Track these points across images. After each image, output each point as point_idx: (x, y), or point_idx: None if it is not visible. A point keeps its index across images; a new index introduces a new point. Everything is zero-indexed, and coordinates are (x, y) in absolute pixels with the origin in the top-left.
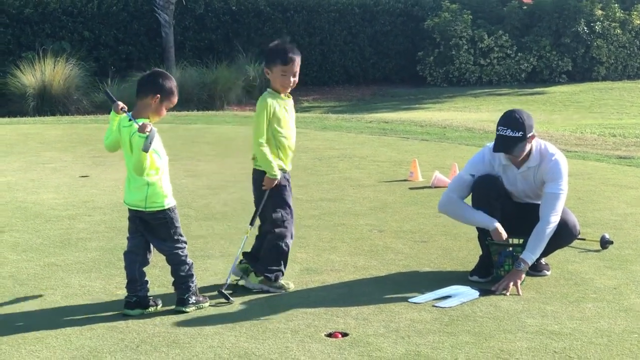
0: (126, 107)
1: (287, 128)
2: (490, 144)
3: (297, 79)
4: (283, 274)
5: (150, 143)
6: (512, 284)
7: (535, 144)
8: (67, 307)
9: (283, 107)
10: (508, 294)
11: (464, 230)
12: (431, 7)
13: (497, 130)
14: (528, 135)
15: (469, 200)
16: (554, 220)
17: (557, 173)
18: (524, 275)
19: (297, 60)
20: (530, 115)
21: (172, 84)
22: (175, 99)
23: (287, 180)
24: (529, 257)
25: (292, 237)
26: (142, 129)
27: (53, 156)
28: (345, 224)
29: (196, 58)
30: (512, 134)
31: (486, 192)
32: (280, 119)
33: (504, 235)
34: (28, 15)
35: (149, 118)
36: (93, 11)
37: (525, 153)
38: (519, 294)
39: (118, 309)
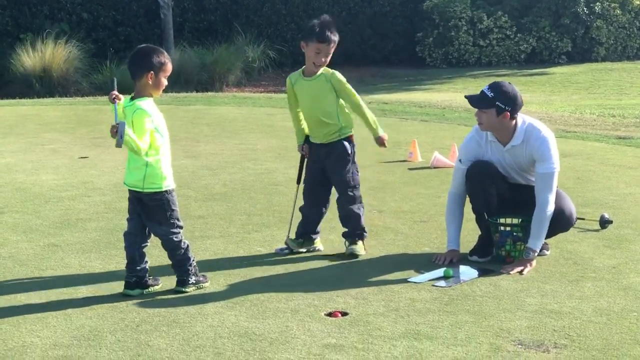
0: (120, 98)
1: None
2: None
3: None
4: (297, 235)
5: (122, 137)
6: (519, 269)
7: (520, 122)
8: (67, 287)
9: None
10: (512, 273)
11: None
12: None
13: None
14: (497, 103)
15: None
16: (551, 199)
17: (546, 152)
18: (534, 262)
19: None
20: (516, 93)
21: (160, 54)
22: (169, 67)
23: (307, 151)
24: (535, 244)
25: (303, 205)
26: (112, 131)
27: (52, 137)
28: None
29: (195, 39)
30: (486, 91)
31: (480, 179)
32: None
33: (454, 259)
34: None
35: (151, 95)
36: None
37: (490, 122)
38: (521, 275)
39: (118, 289)
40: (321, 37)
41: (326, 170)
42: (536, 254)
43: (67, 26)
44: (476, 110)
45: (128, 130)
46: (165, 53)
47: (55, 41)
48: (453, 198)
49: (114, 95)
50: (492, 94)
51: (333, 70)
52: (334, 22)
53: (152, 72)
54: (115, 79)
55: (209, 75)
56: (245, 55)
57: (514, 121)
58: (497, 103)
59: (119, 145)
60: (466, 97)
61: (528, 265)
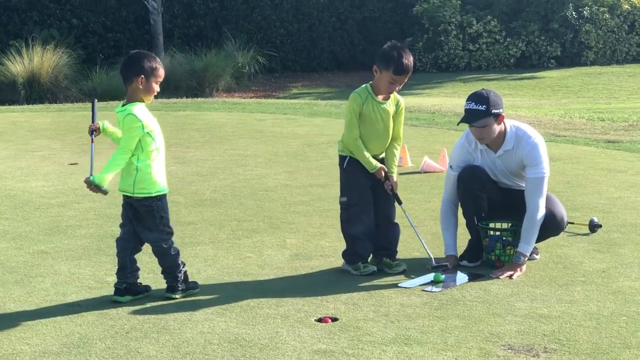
0: (97, 132)
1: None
2: (468, 130)
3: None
4: (361, 258)
5: (102, 187)
6: (509, 274)
7: (509, 127)
8: (56, 294)
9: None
10: (502, 277)
11: None
12: None
13: (465, 105)
14: (493, 111)
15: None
16: (542, 204)
17: (537, 157)
18: (524, 267)
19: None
20: (498, 95)
21: (152, 59)
22: (161, 72)
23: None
24: (525, 248)
25: (363, 224)
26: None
27: (42, 144)
28: (335, 209)
29: (185, 45)
30: (475, 107)
31: (469, 185)
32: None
33: (450, 265)
34: (15, 3)
35: (143, 100)
36: None
37: (493, 132)
38: (510, 279)
39: (108, 296)
40: (399, 70)
41: (376, 191)
42: (526, 259)
43: (56, 32)
44: (470, 127)
45: (97, 177)
46: (158, 59)
47: (44, 47)
48: (447, 205)
49: (92, 129)
50: (482, 106)
51: (400, 96)
52: (406, 45)
53: (142, 76)
54: (95, 100)
55: (199, 80)
56: (234, 60)
57: (503, 125)
58: (492, 111)
59: (106, 193)
60: (462, 121)
61: (518, 269)
